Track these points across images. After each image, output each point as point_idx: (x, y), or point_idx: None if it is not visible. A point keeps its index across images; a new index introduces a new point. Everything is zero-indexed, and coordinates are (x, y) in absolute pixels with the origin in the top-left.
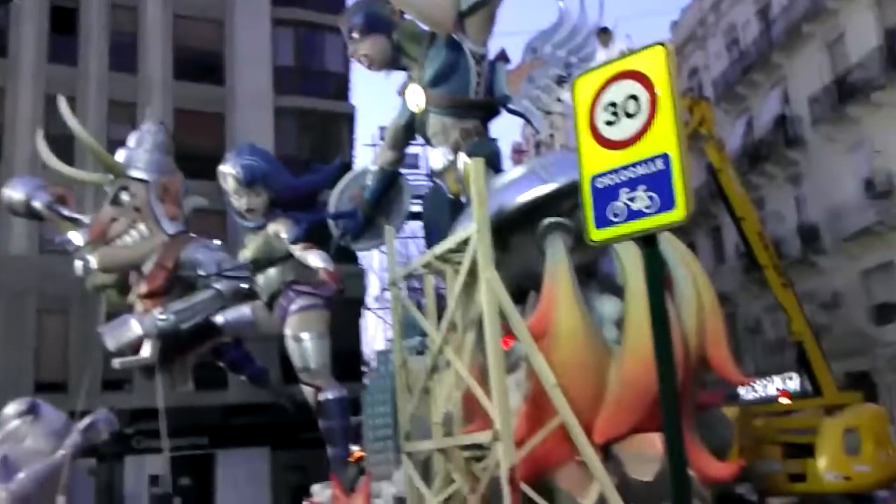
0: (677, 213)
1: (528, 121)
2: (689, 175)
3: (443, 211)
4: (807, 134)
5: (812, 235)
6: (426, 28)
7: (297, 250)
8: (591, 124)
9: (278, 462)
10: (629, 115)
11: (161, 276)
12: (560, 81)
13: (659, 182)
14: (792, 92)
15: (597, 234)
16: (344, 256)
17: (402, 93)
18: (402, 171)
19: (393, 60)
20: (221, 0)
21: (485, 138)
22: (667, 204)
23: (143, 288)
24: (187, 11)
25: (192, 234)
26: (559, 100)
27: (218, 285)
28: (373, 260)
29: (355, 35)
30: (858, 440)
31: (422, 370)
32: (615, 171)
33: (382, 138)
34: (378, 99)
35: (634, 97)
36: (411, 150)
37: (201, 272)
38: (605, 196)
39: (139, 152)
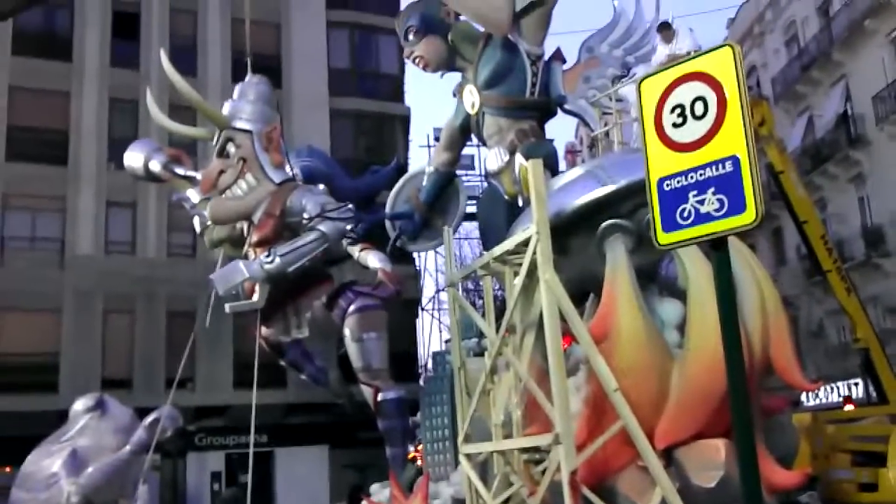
0: (748, 217)
1: (584, 121)
2: (759, 177)
3: (499, 212)
4: (870, 133)
5: (877, 238)
6: (481, 29)
7: (356, 251)
8: (658, 126)
9: (337, 461)
10: (697, 118)
11: (269, 223)
12: (616, 80)
13: (728, 185)
14: (854, 90)
15: (665, 238)
16: (400, 257)
17: (457, 94)
18: (458, 172)
19: (448, 61)
20: (278, 4)
21: (541, 139)
22: (737, 207)
23: (254, 237)
24: (245, 15)
25: (297, 182)
26: (618, 99)
27: (322, 227)
28: (428, 261)
29: (411, 37)
30: None
31: (480, 372)
32: (683, 173)
33: (437, 139)
34: (432, 100)
35: (702, 99)
36: (466, 151)
37: (305, 216)
38: (672, 199)
39: (242, 104)
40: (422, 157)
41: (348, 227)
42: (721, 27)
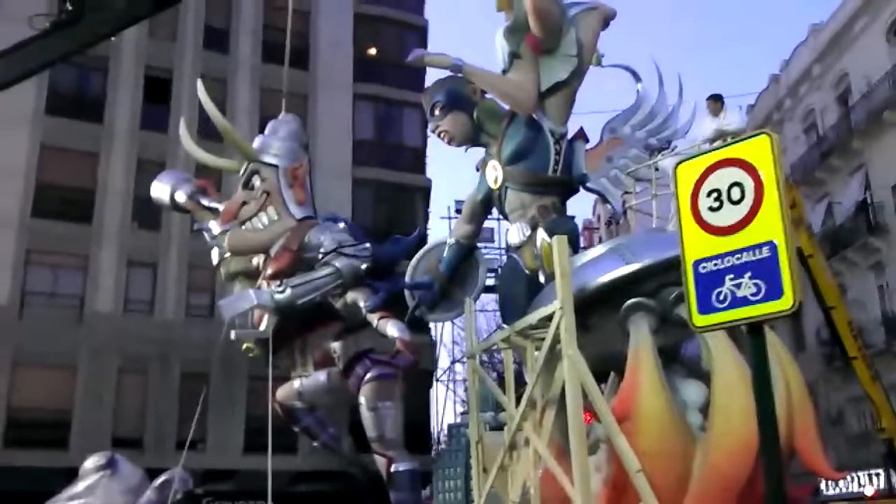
0: (785, 302)
1: (605, 199)
2: (796, 263)
3: (519, 286)
4: (890, 221)
5: None
6: (506, 107)
7: (375, 319)
8: (694, 209)
9: None
10: (734, 202)
11: (286, 257)
12: (650, 155)
13: (765, 270)
14: (873, 178)
15: (700, 320)
16: (416, 327)
17: (480, 168)
18: (478, 244)
19: (472, 137)
20: (305, 77)
21: (563, 215)
22: (774, 292)
23: (269, 270)
24: (273, 85)
25: (317, 220)
26: (655, 168)
27: (337, 263)
28: (443, 332)
29: (437, 112)
30: None
31: (497, 446)
32: (720, 256)
33: (458, 211)
34: (454, 172)
35: (739, 184)
36: (486, 224)
37: (322, 251)
38: (708, 281)
39: (272, 139)
40: (441, 228)
41: (363, 265)
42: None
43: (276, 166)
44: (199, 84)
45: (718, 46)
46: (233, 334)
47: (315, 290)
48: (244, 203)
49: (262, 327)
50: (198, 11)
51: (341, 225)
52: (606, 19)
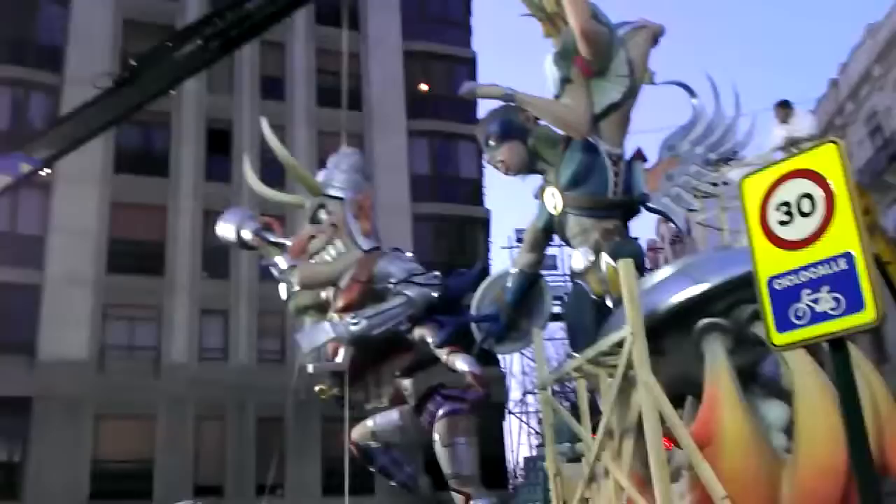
0: (867, 315)
1: (669, 218)
2: (876, 274)
3: (586, 312)
4: None
5: None
6: (561, 133)
7: (444, 354)
8: (764, 224)
9: None
10: (804, 215)
11: (356, 289)
12: (699, 178)
13: (844, 282)
14: None
15: (779, 339)
16: (485, 360)
17: (538, 196)
18: (542, 272)
19: (529, 165)
20: (362, 118)
21: (626, 238)
22: (855, 305)
23: (339, 303)
24: (328, 128)
25: (385, 251)
26: (724, 183)
27: (409, 292)
28: (513, 363)
29: (492, 142)
30: None
31: (575, 478)
32: (794, 271)
33: (519, 241)
34: (512, 202)
35: (808, 196)
36: (549, 251)
37: (392, 280)
38: (785, 298)
39: (336, 172)
40: (503, 259)
41: (434, 293)
42: None
43: (341, 199)
44: (264, 122)
45: (771, 55)
46: (310, 368)
47: (390, 320)
48: (312, 237)
49: (339, 360)
50: (252, 61)
51: (409, 254)
52: (656, 36)
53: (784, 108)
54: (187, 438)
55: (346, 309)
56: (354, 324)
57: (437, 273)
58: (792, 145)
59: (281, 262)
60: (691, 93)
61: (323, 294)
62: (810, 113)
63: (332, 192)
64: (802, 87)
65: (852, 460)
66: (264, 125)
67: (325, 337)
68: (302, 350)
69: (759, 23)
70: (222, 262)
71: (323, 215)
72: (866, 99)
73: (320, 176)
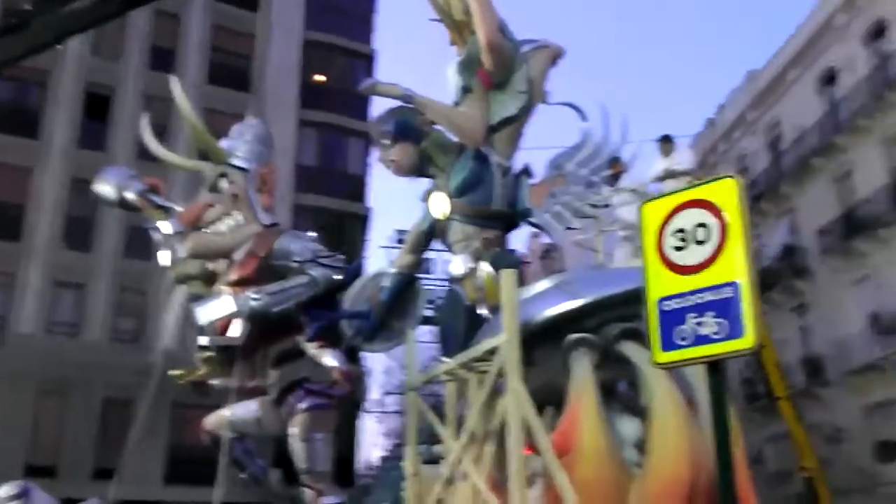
0: (746, 341)
1: (548, 234)
2: (758, 304)
3: (459, 318)
4: (814, 265)
5: (816, 367)
6: (455, 139)
7: (312, 348)
8: (660, 248)
9: None
10: (698, 242)
11: (252, 263)
12: (581, 199)
13: (728, 309)
14: (800, 223)
15: (662, 357)
16: (349, 357)
17: (425, 199)
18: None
19: (419, 168)
20: (247, 99)
21: (505, 249)
22: (736, 331)
23: (232, 276)
24: (218, 106)
25: (284, 228)
26: (596, 206)
27: (313, 272)
28: (375, 363)
29: (385, 141)
30: None
31: (433, 480)
32: (683, 295)
33: (400, 241)
34: (395, 201)
35: (704, 225)
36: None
37: (296, 259)
38: (671, 319)
39: (240, 143)
40: (380, 257)
41: (337, 276)
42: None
43: (245, 170)
44: (174, 81)
45: (660, 86)
46: (205, 340)
47: (291, 299)
48: (209, 206)
49: (237, 333)
50: (144, 28)
51: (312, 234)
52: (556, 58)
53: (666, 143)
54: (24, 415)
55: (239, 283)
56: (256, 299)
57: (342, 255)
58: (670, 177)
59: (166, 226)
60: (582, 115)
61: (210, 265)
62: (689, 149)
63: (237, 163)
64: (687, 123)
65: (718, 479)
66: (174, 85)
67: (228, 310)
68: (200, 321)
69: (657, 56)
70: (85, 233)
71: (224, 185)
72: (738, 141)
73: (223, 143)
